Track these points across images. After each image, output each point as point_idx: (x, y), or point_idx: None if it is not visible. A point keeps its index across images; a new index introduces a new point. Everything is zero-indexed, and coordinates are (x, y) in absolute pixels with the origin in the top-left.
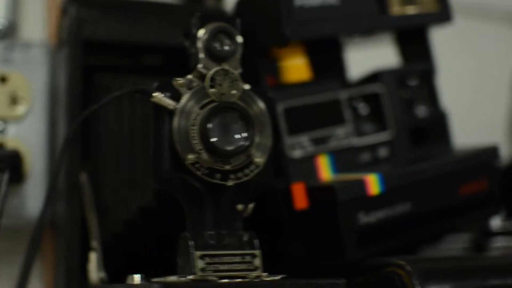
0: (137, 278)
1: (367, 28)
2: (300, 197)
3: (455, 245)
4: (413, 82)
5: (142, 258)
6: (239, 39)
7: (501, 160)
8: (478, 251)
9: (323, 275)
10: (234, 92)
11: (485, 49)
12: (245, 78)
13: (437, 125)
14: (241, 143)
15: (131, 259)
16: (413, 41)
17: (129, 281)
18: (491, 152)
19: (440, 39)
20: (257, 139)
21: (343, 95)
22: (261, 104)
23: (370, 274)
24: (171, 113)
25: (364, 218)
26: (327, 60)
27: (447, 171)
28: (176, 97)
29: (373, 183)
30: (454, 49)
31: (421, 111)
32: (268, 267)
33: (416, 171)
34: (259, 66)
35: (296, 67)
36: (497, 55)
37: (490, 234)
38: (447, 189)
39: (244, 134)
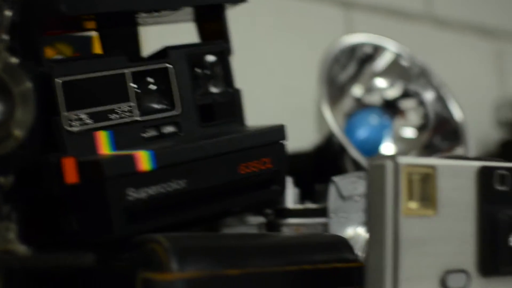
0: None
1: (154, 4)
2: (70, 171)
3: (251, 224)
4: (206, 60)
5: None
6: (8, 12)
7: (287, 139)
8: (270, 230)
9: (97, 251)
10: None
11: (297, 30)
12: (26, 52)
13: (229, 104)
14: None
15: None
16: (211, 19)
17: None
18: (276, 132)
19: (249, 20)
20: (18, 113)
21: (129, 70)
22: (27, 78)
23: (132, 250)
24: None
25: (134, 195)
26: (118, 36)
27: (226, 149)
28: None
29: (143, 159)
30: (265, 30)
31: (213, 89)
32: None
33: (192, 148)
34: (36, 40)
35: (82, 41)
36: (309, 37)
37: (284, 213)
38: (226, 167)
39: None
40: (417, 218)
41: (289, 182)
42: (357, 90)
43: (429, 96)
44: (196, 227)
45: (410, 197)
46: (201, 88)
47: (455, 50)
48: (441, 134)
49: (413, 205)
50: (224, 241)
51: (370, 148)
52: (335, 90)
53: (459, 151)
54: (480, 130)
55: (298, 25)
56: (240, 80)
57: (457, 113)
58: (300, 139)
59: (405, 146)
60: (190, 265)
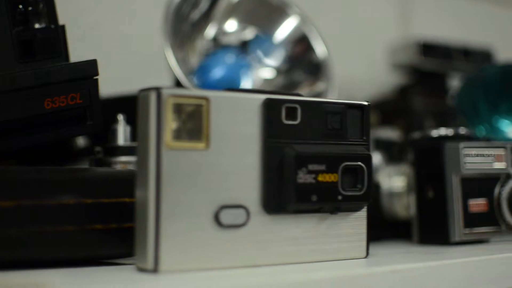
0: None
1: None
2: None
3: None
4: None
5: None
6: None
7: (97, 74)
8: (100, 166)
9: None
10: None
11: None
12: None
13: (51, 41)
14: None
15: None
16: None
17: None
18: (86, 67)
19: None
20: None
21: None
22: None
23: None
24: None
25: None
26: None
27: (30, 83)
28: None
29: None
30: None
31: (37, 25)
32: None
33: None
34: None
35: None
36: None
37: (112, 151)
38: (31, 101)
39: None
40: (184, 151)
41: (121, 120)
42: (212, 30)
43: (285, 33)
44: (8, 159)
45: (179, 129)
46: (22, 25)
47: None
48: (303, 70)
49: (181, 137)
50: (3, 174)
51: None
52: (188, 29)
53: (320, 86)
54: (374, 73)
55: None
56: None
57: (320, 49)
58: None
59: (265, 86)
60: None
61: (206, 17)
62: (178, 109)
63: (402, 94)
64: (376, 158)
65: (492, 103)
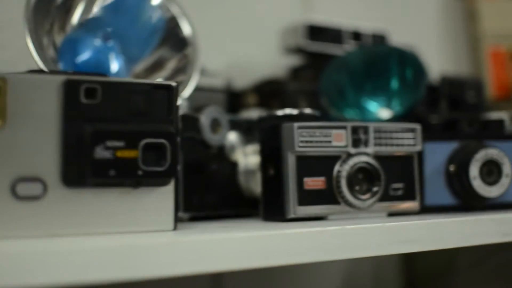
0: None
1: None
2: None
3: None
4: None
5: None
6: None
7: None
8: None
9: None
10: None
11: None
12: None
13: None
14: None
15: None
16: None
17: None
18: None
19: None
20: None
21: None
22: None
23: None
24: None
25: None
26: None
27: None
28: None
29: None
30: None
31: None
32: None
33: None
34: None
35: None
36: None
37: None
38: None
39: None
40: None
41: None
42: (78, 14)
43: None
44: None
45: None
46: None
47: None
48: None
49: None
50: None
51: (94, 71)
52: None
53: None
54: (270, 56)
55: None
56: None
57: (186, 29)
58: None
59: (132, 66)
60: None
61: (72, 1)
62: None
63: (292, 75)
64: (233, 137)
65: (357, 86)
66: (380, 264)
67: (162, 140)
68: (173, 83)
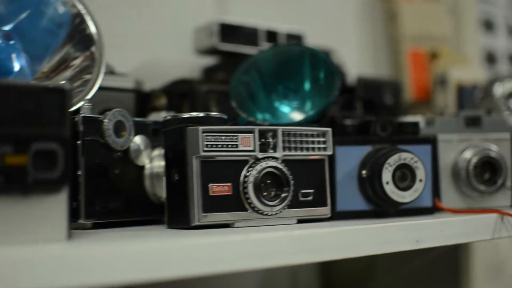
0: None
1: None
2: None
3: None
4: None
5: None
6: None
7: None
8: None
9: None
10: None
11: None
12: None
13: None
14: None
15: None
16: None
17: None
18: None
19: None
20: None
21: None
22: None
23: None
24: None
25: None
26: None
27: None
28: None
29: None
30: None
31: None
32: None
33: None
34: None
35: None
36: None
37: None
38: None
39: None
40: None
41: None
42: None
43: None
44: None
45: None
46: None
47: None
48: (76, 46)
49: None
50: None
51: None
52: None
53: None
54: (185, 56)
55: None
56: None
57: (91, 27)
58: None
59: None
60: None
61: None
62: None
63: (205, 76)
64: (138, 140)
65: (268, 88)
66: (298, 269)
67: (54, 145)
68: (66, 86)
